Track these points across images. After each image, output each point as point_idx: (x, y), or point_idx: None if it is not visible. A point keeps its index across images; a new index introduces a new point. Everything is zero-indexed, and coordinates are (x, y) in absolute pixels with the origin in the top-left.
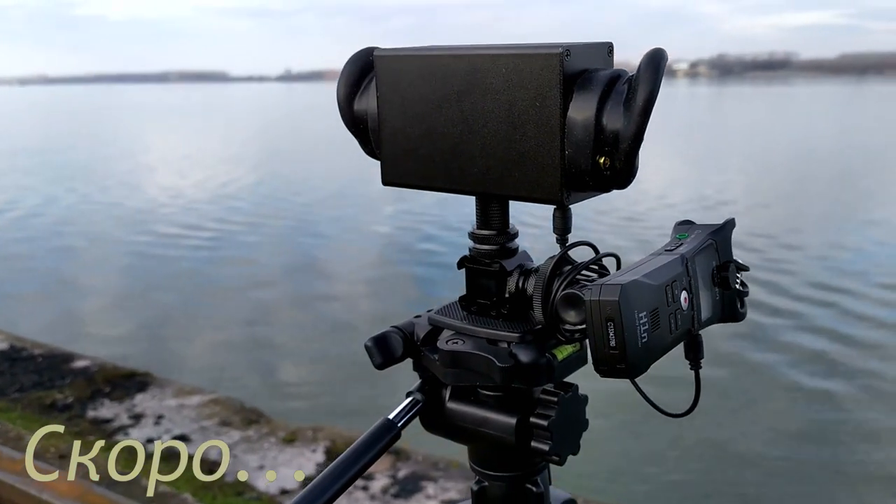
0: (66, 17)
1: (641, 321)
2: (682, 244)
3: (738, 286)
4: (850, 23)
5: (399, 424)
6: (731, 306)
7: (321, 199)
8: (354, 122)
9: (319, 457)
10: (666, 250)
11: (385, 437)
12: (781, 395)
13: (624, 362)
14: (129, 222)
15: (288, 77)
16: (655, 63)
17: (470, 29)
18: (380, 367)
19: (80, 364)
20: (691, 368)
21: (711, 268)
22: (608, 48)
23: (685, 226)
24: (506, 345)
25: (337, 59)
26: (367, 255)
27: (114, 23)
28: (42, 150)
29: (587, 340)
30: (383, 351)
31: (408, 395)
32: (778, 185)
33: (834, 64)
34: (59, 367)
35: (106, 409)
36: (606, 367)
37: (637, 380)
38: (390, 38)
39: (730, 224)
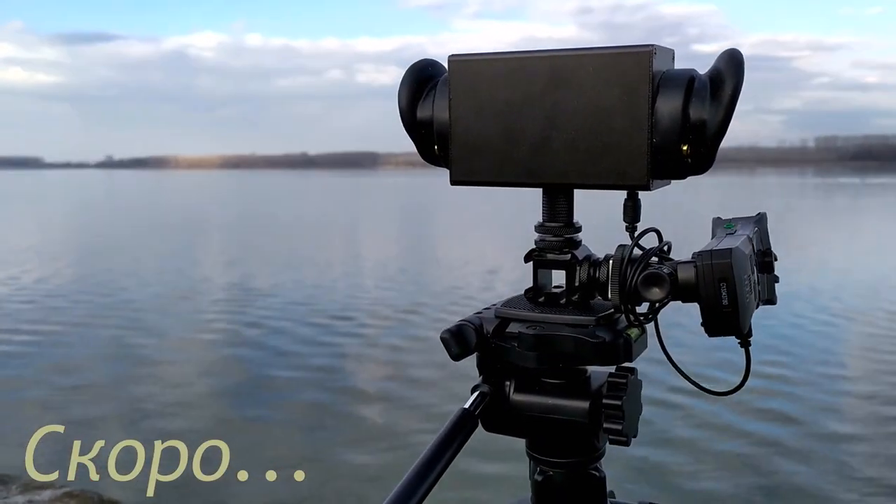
0: None
1: (744, 283)
2: (736, 230)
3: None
4: None
5: (476, 413)
6: (770, 290)
7: (147, 295)
8: (416, 127)
9: None
10: (728, 234)
11: (465, 427)
12: None
13: (737, 319)
14: None
15: (109, 164)
16: (737, 60)
17: (299, 122)
18: (457, 357)
19: None
20: (741, 346)
21: (756, 252)
22: (672, 54)
23: (722, 220)
24: (582, 328)
25: (161, 146)
26: (197, 354)
27: None
28: None
29: (654, 324)
30: (460, 342)
31: (473, 389)
32: None
33: None
34: None
35: None
36: (719, 325)
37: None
38: (217, 126)
39: (764, 216)
